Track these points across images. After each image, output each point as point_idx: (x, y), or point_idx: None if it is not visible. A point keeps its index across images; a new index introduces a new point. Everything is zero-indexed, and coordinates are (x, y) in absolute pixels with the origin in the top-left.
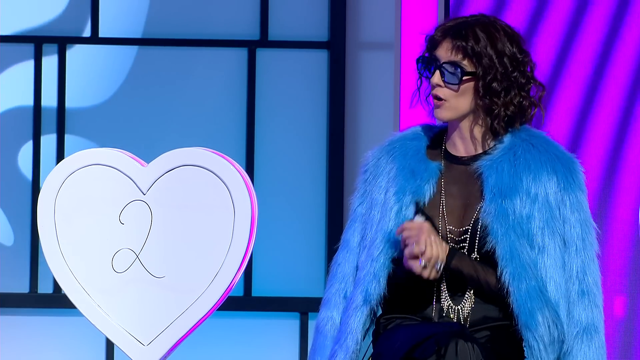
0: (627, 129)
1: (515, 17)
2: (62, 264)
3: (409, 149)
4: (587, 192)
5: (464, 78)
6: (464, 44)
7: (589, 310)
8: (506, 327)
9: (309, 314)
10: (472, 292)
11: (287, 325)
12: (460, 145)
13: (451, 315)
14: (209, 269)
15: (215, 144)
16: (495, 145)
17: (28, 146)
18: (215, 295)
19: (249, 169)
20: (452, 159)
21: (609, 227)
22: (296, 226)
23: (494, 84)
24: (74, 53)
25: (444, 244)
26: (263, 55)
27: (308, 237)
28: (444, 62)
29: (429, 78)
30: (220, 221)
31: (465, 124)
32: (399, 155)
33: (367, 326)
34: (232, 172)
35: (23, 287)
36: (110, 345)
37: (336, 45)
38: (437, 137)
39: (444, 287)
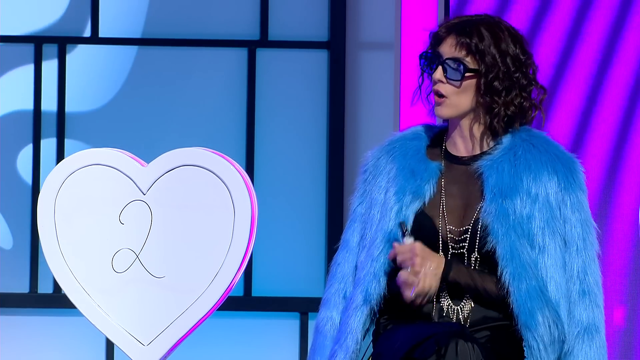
0: (628, 129)
1: (516, 18)
2: (62, 264)
3: (409, 149)
4: (588, 192)
5: (466, 74)
6: (468, 40)
7: (589, 310)
8: (506, 327)
9: (309, 314)
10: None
11: (287, 325)
12: (461, 145)
13: (451, 315)
14: (209, 269)
15: (215, 144)
16: (495, 145)
17: (28, 147)
18: (215, 295)
19: (249, 169)
20: (452, 159)
21: (610, 227)
22: (296, 226)
23: (496, 83)
24: (74, 53)
25: (440, 255)
26: (263, 55)
27: (308, 237)
28: (447, 58)
29: (431, 74)
30: (220, 221)
31: (465, 123)
32: (399, 155)
33: (367, 326)
34: (232, 172)
35: (23, 287)
36: (110, 345)
37: (336, 45)
38: (437, 137)
39: (443, 287)
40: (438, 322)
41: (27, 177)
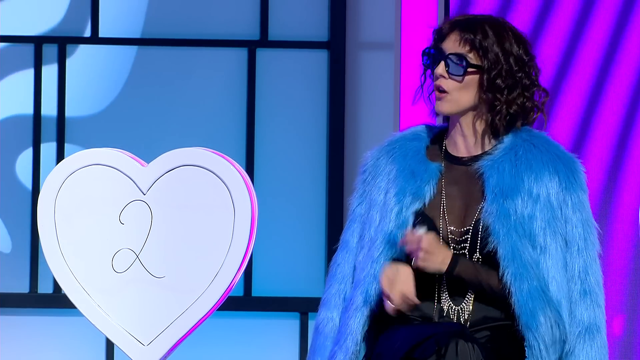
0: (629, 129)
1: (518, 19)
2: (62, 264)
3: (408, 150)
4: (590, 192)
5: (469, 70)
6: (471, 36)
7: (591, 310)
8: (507, 327)
9: (309, 314)
10: (472, 295)
11: (287, 325)
12: (461, 145)
13: (451, 315)
14: (209, 269)
15: (215, 144)
16: (496, 145)
17: (28, 146)
18: (215, 295)
19: (249, 169)
20: (453, 160)
21: (610, 227)
22: (296, 226)
23: (498, 80)
24: (74, 53)
25: (447, 249)
26: (263, 55)
27: (308, 237)
28: (450, 54)
29: (433, 70)
30: (220, 221)
31: (465, 121)
32: (399, 156)
33: (367, 327)
34: (232, 172)
35: (23, 287)
36: (110, 345)
37: (336, 45)
38: (437, 137)
39: (444, 287)
40: (438, 322)
41: (27, 177)
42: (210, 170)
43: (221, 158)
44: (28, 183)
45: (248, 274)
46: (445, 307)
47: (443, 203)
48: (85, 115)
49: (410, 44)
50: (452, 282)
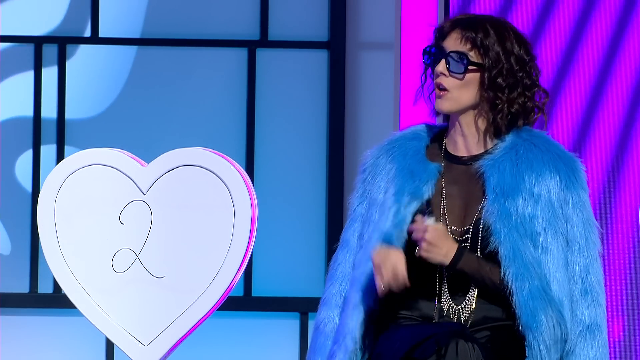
0: (630, 130)
1: (518, 19)
2: (62, 264)
3: (408, 149)
4: (591, 191)
5: (470, 68)
6: (473, 34)
7: (592, 309)
8: (507, 328)
9: (309, 314)
10: (475, 292)
11: (287, 325)
12: (461, 144)
13: (452, 315)
14: (209, 269)
15: (215, 144)
16: (496, 144)
17: (28, 146)
18: (215, 295)
19: (249, 169)
20: (452, 159)
21: (611, 227)
22: (296, 226)
23: (499, 79)
24: (73, 53)
25: (453, 242)
26: (263, 55)
27: (308, 237)
28: (451, 52)
29: (434, 68)
30: (220, 221)
31: (465, 120)
32: (399, 155)
33: (365, 325)
34: (232, 172)
35: (23, 287)
36: (110, 345)
37: (336, 45)
38: (437, 136)
39: (445, 287)
40: (438, 322)
41: (27, 178)
42: (210, 170)
43: (221, 158)
44: (28, 184)
45: (248, 274)
46: (445, 306)
47: (443, 202)
48: (85, 115)
49: (410, 43)
50: (454, 281)
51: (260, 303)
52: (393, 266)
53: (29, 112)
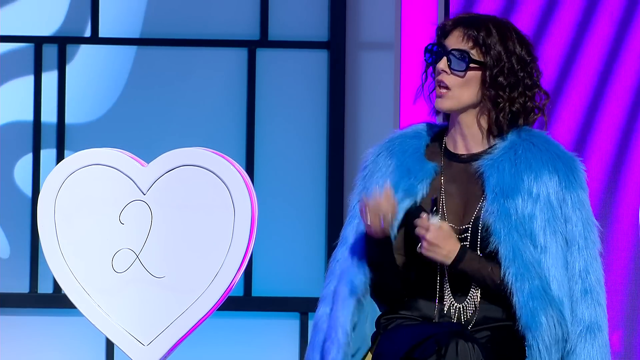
0: (631, 130)
1: (519, 20)
2: (62, 264)
3: (408, 147)
4: (591, 191)
5: (471, 66)
6: (475, 33)
7: (592, 309)
8: (507, 328)
9: (309, 314)
10: (478, 291)
11: (287, 325)
12: (460, 142)
13: (453, 314)
14: (209, 269)
15: (215, 144)
16: (495, 144)
17: (28, 147)
18: (215, 295)
19: (249, 169)
20: (452, 157)
21: (611, 227)
22: (296, 226)
23: (500, 78)
24: (73, 53)
25: (455, 242)
26: (263, 55)
27: (308, 237)
28: (453, 49)
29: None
30: (220, 221)
31: (465, 119)
32: (398, 152)
33: (356, 318)
34: (232, 172)
35: (23, 287)
36: (110, 345)
37: (336, 45)
38: (438, 135)
39: (447, 285)
40: (438, 322)
41: (27, 178)
42: (210, 170)
43: (221, 158)
44: (28, 185)
45: (248, 274)
46: (446, 305)
47: (442, 200)
48: (85, 115)
49: (410, 43)
50: (456, 280)
51: (260, 303)
52: (384, 216)
53: (30, 112)
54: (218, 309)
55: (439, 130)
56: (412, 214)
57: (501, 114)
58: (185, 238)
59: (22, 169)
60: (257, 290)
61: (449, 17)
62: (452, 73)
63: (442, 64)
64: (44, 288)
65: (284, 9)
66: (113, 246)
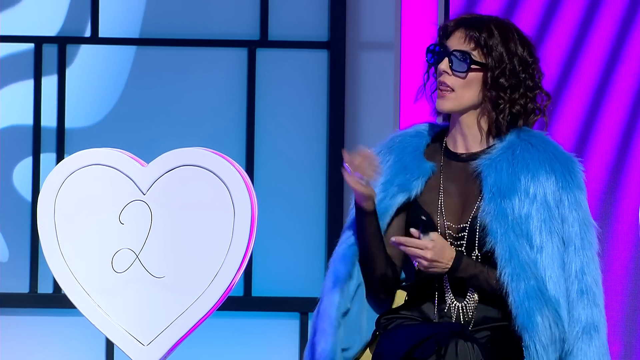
0: (632, 131)
1: (521, 20)
2: (62, 264)
3: (408, 145)
4: (591, 191)
5: (472, 67)
6: (476, 34)
7: (588, 310)
8: (507, 328)
9: (309, 314)
10: (474, 293)
11: (287, 325)
12: (460, 142)
13: (452, 314)
14: (209, 269)
15: (215, 144)
16: (494, 143)
17: (28, 147)
18: (215, 295)
19: (249, 169)
20: (452, 156)
21: (612, 227)
22: (296, 226)
23: (502, 79)
24: (73, 53)
25: (450, 249)
26: (263, 55)
27: (308, 237)
28: (454, 50)
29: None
30: (220, 221)
31: (466, 120)
32: (398, 149)
33: (344, 308)
34: (232, 172)
35: (23, 287)
36: (110, 345)
37: (336, 45)
38: (439, 135)
39: (447, 285)
40: (438, 322)
41: (27, 179)
42: (210, 170)
43: (221, 158)
44: (28, 185)
45: (248, 274)
46: (447, 305)
47: (440, 199)
48: (85, 114)
49: (410, 43)
50: (455, 280)
51: (260, 303)
52: (363, 174)
53: (30, 111)
54: (218, 309)
55: (440, 130)
56: (418, 212)
57: (501, 115)
58: (185, 238)
59: (22, 170)
60: (257, 290)
61: (449, 17)
62: (453, 74)
63: (444, 64)
64: (44, 288)
65: (284, 9)
66: (113, 246)
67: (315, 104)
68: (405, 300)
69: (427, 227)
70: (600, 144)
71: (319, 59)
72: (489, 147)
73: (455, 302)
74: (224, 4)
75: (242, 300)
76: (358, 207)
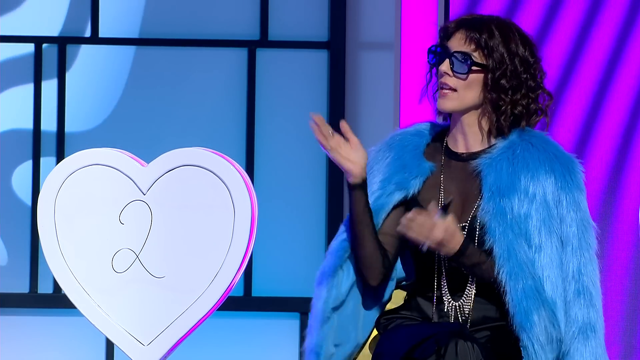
0: (633, 131)
1: (522, 21)
2: (62, 264)
3: (408, 143)
4: (591, 191)
5: (473, 68)
6: (477, 35)
7: (585, 310)
8: (506, 327)
9: (309, 314)
10: (473, 290)
11: (287, 325)
12: (461, 141)
13: (450, 313)
14: (209, 269)
15: (215, 144)
16: (495, 143)
17: (28, 146)
18: (215, 295)
19: (249, 169)
20: (452, 155)
21: (612, 227)
22: (296, 226)
23: (503, 81)
24: (73, 53)
25: (460, 233)
26: (263, 55)
27: (308, 237)
28: (455, 52)
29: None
30: (220, 221)
31: (467, 120)
32: (397, 146)
33: (332, 304)
34: (232, 172)
35: (23, 287)
36: (110, 345)
37: (336, 45)
38: (440, 135)
39: (444, 282)
40: (438, 322)
41: (27, 178)
42: (210, 170)
43: (221, 158)
44: (28, 184)
45: (248, 274)
46: (445, 304)
47: (441, 198)
48: (85, 114)
49: (410, 44)
50: (453, 277)
51: (260, 303)
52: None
53: (30, 112)
54: (218, 309)
55: (441, 130)
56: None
57: (502, 117)
58: (185, 238)
59: (22, 173)
60: (257, 290)
61: (449, 17)
62: (454, 75)
63: (445, 66)
64: (44, 288)
65: (284, 9)
66: (113, 246)
67: (315, 104)
68: (404, 300)
69: (447, 208)
70: (600, 145)
71: (319, 59)
72: (490, 147)
73: (452, 301)
74: (224, 4)
75: (242, 300)
76: (347, 183)
